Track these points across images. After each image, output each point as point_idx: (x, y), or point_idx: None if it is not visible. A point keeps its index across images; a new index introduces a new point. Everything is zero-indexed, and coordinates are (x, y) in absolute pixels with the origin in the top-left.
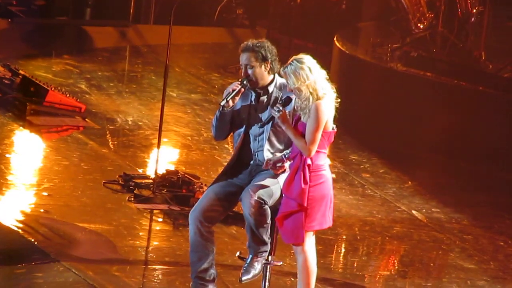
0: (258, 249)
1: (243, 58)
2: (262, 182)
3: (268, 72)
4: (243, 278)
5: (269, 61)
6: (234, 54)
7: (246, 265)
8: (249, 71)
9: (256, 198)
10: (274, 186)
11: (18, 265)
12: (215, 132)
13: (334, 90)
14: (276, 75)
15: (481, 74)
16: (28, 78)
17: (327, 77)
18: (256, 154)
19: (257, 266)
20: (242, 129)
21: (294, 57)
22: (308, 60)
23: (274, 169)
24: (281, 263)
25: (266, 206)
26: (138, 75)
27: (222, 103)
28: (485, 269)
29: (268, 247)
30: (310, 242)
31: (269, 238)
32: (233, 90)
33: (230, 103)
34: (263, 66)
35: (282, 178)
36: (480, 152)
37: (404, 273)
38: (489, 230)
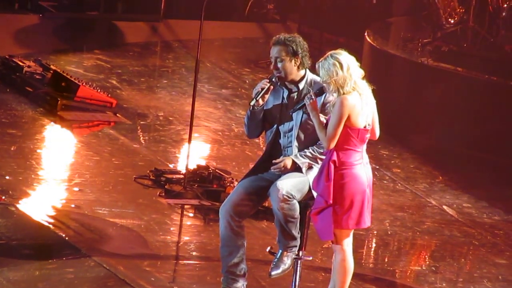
0: (288, 244)
1: (274, 51)
2: (291, 177)
3: (298, 68)
4: (273, 273)
5: (299, 56)
6: (265, 49)
7: (275, 260)
8: (279, 65)
9: (284, 193)
10: (302, 181)
11: (49, 260)
12: (247, 130)
13: (370, 90)
14: (308, 71)
15: None
16: (59, 73)
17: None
18: (286, 150)
19: (287, 261)
20: (274, 126)
21: (331, 51)
22: (343, 57)
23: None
24: (311, 258)
25: (294, 201)
26: (169, 70)
27: (251, 103)
28: None
29: (297, 242)
30: (348, 241)
31: (298, 233)
32: (262, 89)
33: (260, 101)
34: (293, 61)
35: (311, 173)
36: (511, 146)
37: (435, 268)
38: None
